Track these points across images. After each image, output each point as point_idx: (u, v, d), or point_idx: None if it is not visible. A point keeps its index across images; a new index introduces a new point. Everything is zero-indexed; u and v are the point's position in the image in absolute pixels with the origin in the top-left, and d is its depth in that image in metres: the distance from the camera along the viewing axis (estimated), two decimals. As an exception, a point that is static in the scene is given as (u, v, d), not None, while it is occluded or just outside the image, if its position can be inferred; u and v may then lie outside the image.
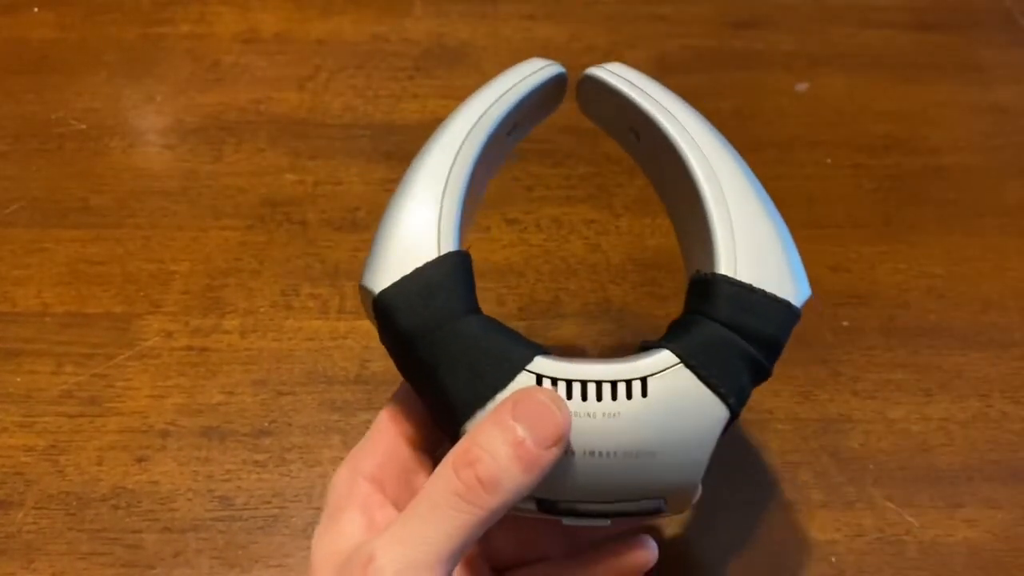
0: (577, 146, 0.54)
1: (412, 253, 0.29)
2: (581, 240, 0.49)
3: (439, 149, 0.31)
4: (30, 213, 0.50)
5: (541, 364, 0.28)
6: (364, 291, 0.29)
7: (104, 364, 0.44)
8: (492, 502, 0.25)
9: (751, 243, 0.29)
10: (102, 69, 0.58)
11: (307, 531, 0.39)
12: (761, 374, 0.29)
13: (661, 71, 0.59)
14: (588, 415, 0.27)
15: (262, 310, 0.46)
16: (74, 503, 0.39)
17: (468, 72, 0.59)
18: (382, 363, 0.44)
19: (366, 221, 0.50)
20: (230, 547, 0.38)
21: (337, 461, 0.41)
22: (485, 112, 0.32)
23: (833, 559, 0.39)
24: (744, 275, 0.29)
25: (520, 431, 0.26)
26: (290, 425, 0.42)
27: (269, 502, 0.40)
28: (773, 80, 0.59)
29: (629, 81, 0.32)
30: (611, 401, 0.27)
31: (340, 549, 0.27)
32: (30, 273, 0.47)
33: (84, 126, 0.55)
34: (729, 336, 0.28)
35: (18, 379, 0.43)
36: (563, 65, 0.33)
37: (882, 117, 0.57)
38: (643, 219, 0.50)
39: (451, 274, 0.29)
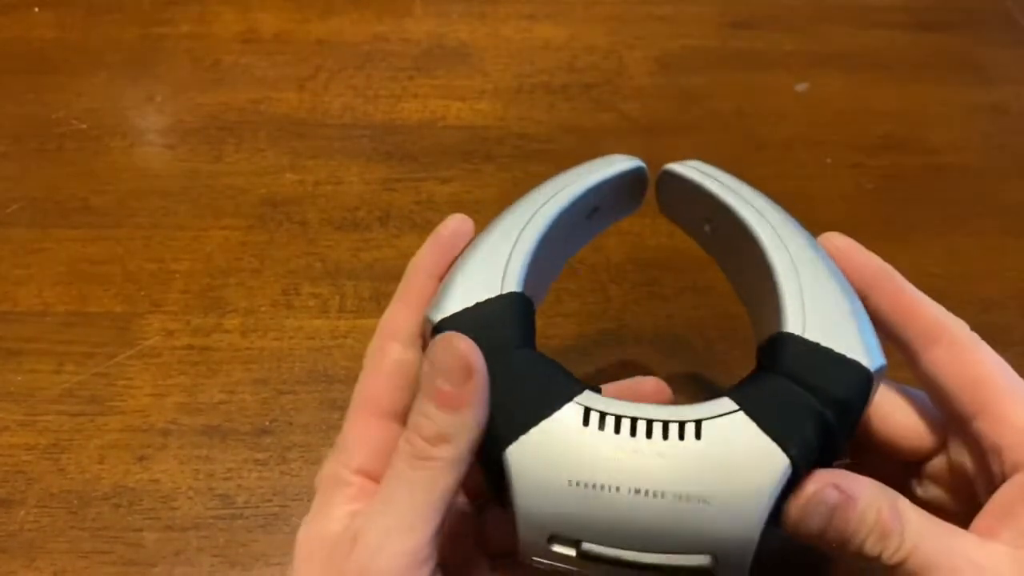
0: (578, 146, 0.54)
1: (475, 290, 0.29)
2: (581, 240, 0.49)
3: (516, 212, 0.32)
4: (31, 213, 0.50)
5: (590, 398, 0.27)
6: (426, 322, 0.30)
7: (105, 363, 0.44)
8: (443, 452, 0.26)
9: (820, 307, 0.29)
10: (102, 69, 0.58)
11: (308, 530, 0.39)
12: (832, 435, 0.28)
13: (661, 71, 0.59)
14: (636, 451, 0.26)
15: (263, 309, 0.46)
16: (75, 501, 0.39)
17: (468, 72, 0.59)
18: (383, 362, 0.44)
19: (366, 221, 0.50)
20: (231, 545, 0.38)
21: (338, 460, 0.41)
22: (563, 189, 0.33)
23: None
24: (812, 335, 0.28)
25: (438, 380, 0.27)
26: (291, 424, 0.42)
27: (270, 500, 0.40)
28: (773, 80, 0.59)
29: (707, 175, 0.33)
30: (662, 440, 0.26)
31: (328, 533, 0.27)
32: (31, 273, 0.47)
33: (84, 126, 0.55)
34: (794, 388, 0.27)
35: (19, 378, 0.43)
36: (642, 160, 0.34)
37: (882, 117, 0.57)
38: (643, 219, 0.50)
39: (509, 309, 0.29)
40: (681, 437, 0.26)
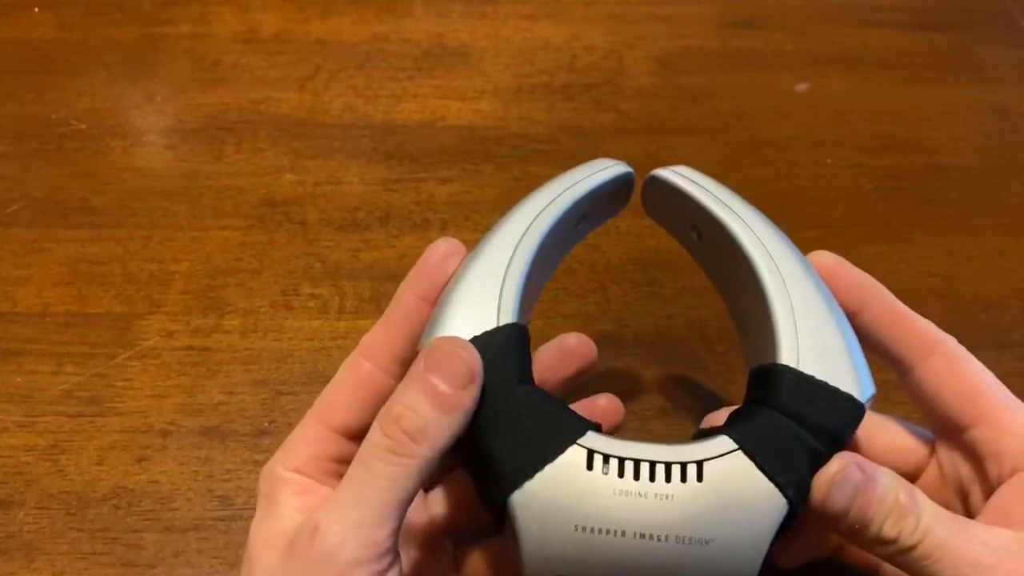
0: (578, 146, 0.54)
1: (471, 323, 0.29)
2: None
3: (506, 231, 0.31)
4: (31, 213, 0.50)
5: (593, 439, 0.27)
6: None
7: (104, 364, 0.44)
8: (421, 451, 0.26)
9: (814, 337, 0.29)
10: (102, 69, 0.58)
11: (307, 531, 0.39)
12: (822, 464, 0.28)
13: (661, 71, 0.59)
14: (640, 495, 0.27)
15: (262, 310, 0.46)
16: (75, 503, 0.39)
17: (468, 72, 0.59)
18: (382, 363, 0.44)
19: (366, 221, 0.50)
20: (230, 546, 0.38)
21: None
22: (552, 201, 0.32)
23: None
24: (806, 367, 0.29)
25: (434, 379, 0.27)
26: (290, 425, 0.41)
27: (269, 502, 0.40)
28: (773, 80, 0.59)
29: (693, 182, 0.33)
30: (664, 483, 0.27)
31: (282, 529, 0.28)
32: (31, 273, 0.47)
33: (84, 126, 0.55)
34: (789, 426, 0.28)
35: (19, 379, 0.43)
36: (628, 164, 0.34)
37: (882, 117, 0.57)
38: (643, 219, 0.50)
39: (506, 343, 0.29)
40: (683, 479, 0.27)
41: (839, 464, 0.27)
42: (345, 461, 0.30)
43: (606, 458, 0.27)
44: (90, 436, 0.41)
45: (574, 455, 0.27)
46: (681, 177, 0.33)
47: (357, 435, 0.31)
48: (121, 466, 0.40)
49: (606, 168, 0.33)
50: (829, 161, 0.54)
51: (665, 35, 0.61)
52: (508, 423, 0.28)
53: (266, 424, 0.42)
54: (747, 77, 0.59)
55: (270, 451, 0.41)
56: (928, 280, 0.48)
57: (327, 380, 0.43)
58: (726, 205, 0.32)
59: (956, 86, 0.59)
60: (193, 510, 0.39)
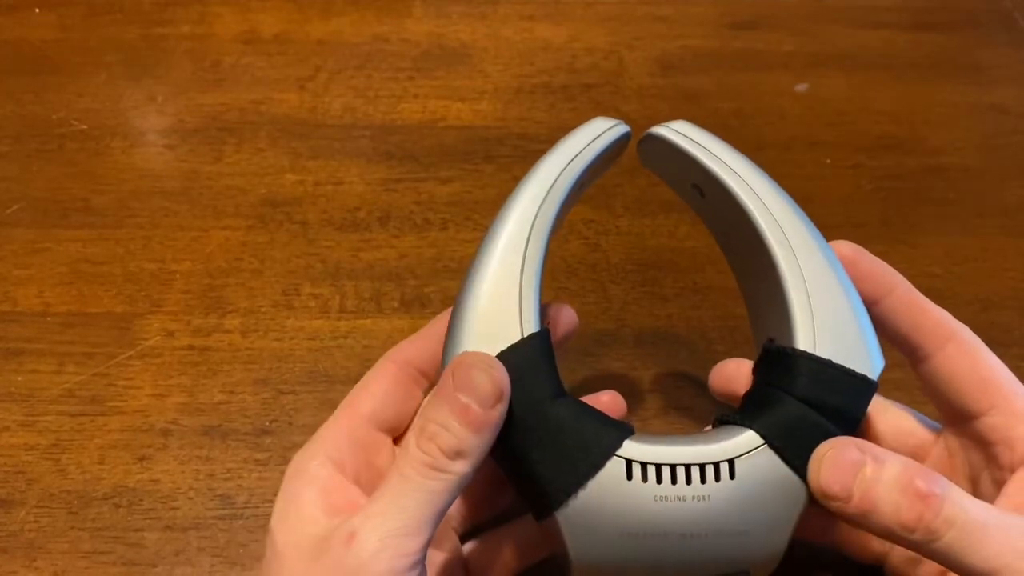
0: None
1: (496, 337, 0.29)
2: (581, 240, 0.49)
3: (513, 223, 0.31)
4: (31, 213, 0.50)
5: (630, 449, 0.28)
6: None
7: (105, 363, 0.44)
8: (458, 467, 0.27)
9: (828, 315, 0.30)
10: (103, 69, 0.58)
11: (308, 530, 0.39)
12: None
13: (661, 71, 0.59)
14: (679, 499, 0.28)
15: (263, 310, 0.46)
16: (76, 502, 0.39)
17: (468, 72, 0.59)
18: (383, 362, 0.44)
19: (366, 221, 0.50)
20: (231, 546, 0.38)
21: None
22: (555, 181, 0.31)
23: None
24: (823, 350, 0.29)
25: (464, 399, 0.27)
26: (291, 424, 0.42)
27: (270, 501, 0.39)
28: (773, 80, 0.59)
29: (692, 140, 0.32)
30: (700, 484, 0.28)
31: (308, 533, 0.28)
32: (31, 273, 0.47)
33: (85, 126, 0.55)
34: (811, 415, 0.29)
35: (20, 378, 0.43)
36: (625, 123, 0.34)
37: (882, 117, 0.57)
38: (643, 219, 0.51)
39: (536, 357, 0.29)
40: (717, 479, 0.28)
41: (828, 445, 0.28)
42: (377, 453, 0.31)
43: (644, 466, 0.28)
44: (91, 435, 0.41)
45: (614, 467, 0.28)
46: (680, 135, 0.33)
47: (389, 428, 0.32)
48: (122, 465, 0.40)
49: (603, 133, 0.33)
50: (829, 161, 0.54)
51: (665, 35, 0.62)
52: (548, 441, 0.28)
53: (267, 423, 0.42)
54: (747, 77, 0.59)
55: (271, 450, 0.41)
56: (928, 280, 0.48)
57: (328, 379, 0.43)
58: (729, 167, 0.32)
59: (956, 86, 0.59)
60: (194, 509, 0.39)
